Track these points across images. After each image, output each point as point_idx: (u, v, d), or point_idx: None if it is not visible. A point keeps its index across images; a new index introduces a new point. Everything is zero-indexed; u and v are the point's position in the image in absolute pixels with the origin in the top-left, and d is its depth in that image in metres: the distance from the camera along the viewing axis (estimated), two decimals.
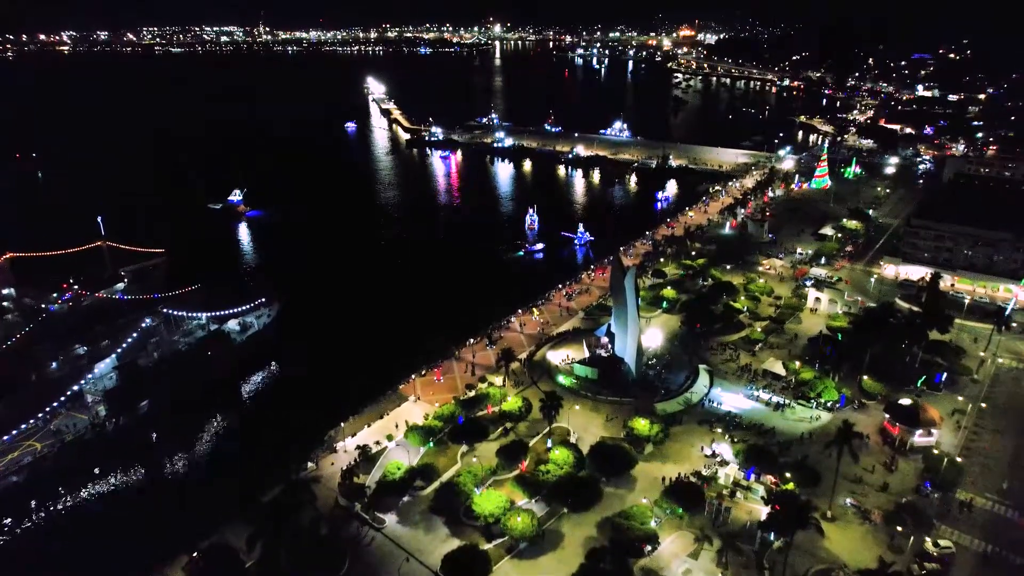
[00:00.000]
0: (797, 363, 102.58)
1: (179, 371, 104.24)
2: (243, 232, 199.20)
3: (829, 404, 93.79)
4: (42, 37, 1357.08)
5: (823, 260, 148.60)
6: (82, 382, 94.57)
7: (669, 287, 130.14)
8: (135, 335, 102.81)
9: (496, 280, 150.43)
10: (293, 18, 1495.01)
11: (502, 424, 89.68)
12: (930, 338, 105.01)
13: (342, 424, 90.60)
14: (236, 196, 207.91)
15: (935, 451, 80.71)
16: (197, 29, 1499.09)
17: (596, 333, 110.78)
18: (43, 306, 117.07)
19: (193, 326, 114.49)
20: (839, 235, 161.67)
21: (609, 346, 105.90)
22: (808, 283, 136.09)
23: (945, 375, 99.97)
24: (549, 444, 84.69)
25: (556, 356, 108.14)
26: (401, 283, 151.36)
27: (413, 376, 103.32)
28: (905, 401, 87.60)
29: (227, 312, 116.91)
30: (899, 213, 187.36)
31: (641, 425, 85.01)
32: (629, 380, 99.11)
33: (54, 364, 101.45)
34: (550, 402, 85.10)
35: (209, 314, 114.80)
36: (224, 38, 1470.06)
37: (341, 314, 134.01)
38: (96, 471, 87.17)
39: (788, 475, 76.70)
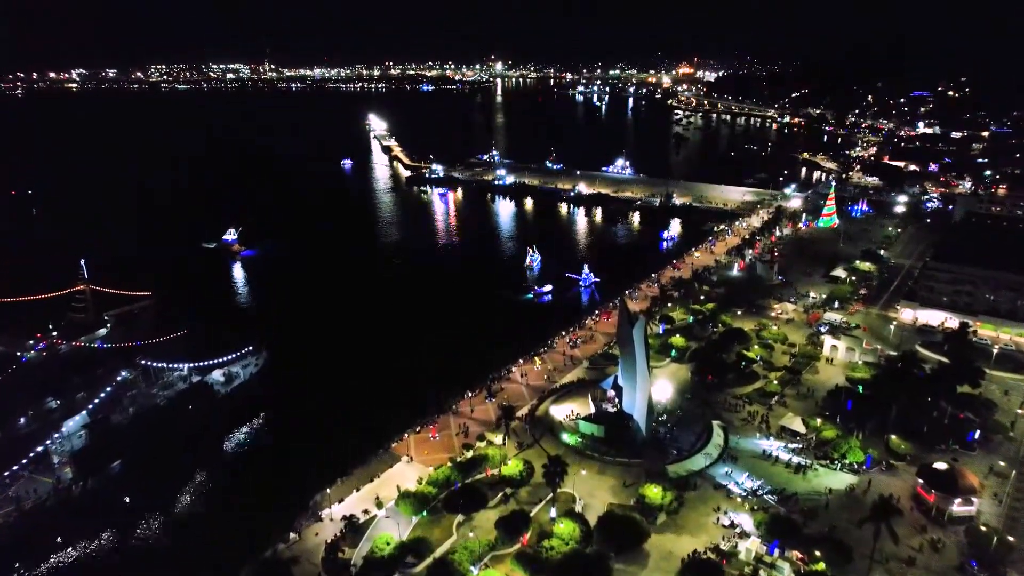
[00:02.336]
0: (818, 420, 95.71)
1: (156, 428, 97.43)
2: (237, 272, 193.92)
3: (855, 466, 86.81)
4: (52, 75, 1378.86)
5: (836, 304, 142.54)
6: (47, 442, 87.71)
7: (678, 334, 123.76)
8: (109, 389, 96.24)
9: (497, 325, 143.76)
10: (298, 55, 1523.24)
11: (502, 490, 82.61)
12: (958, 391, 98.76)
13: (328, 490, 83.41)
14: (231, 235, 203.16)
15: (983, 527, 73.19)
16: (204, 66, 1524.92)
17: (602, 385, 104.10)
18: (17, 354, 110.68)
19: (174, 378, 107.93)
20: (852, 277, 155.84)
21: (616, 400, 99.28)
22: (823, 329, 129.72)
23: (978, 433, 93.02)
24: (553, 514, 77.49)
25: (559, 411, 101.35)
26: (397, 328, 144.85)
27: (407, 433, 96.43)
28: (940, 465, 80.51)
29: (211, 362, 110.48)
30: (911, 253, 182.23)
31: (653, 493, 77.86)
32: (638, 439, 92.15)
33: (22, 420, 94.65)
34: (554, 468, 78.12)
35: (191, 365, 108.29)
36: (230, 75, 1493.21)
37: (333, 362, 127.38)
38: (58, 540, 79.81)
39: (817, 553, 69.33)
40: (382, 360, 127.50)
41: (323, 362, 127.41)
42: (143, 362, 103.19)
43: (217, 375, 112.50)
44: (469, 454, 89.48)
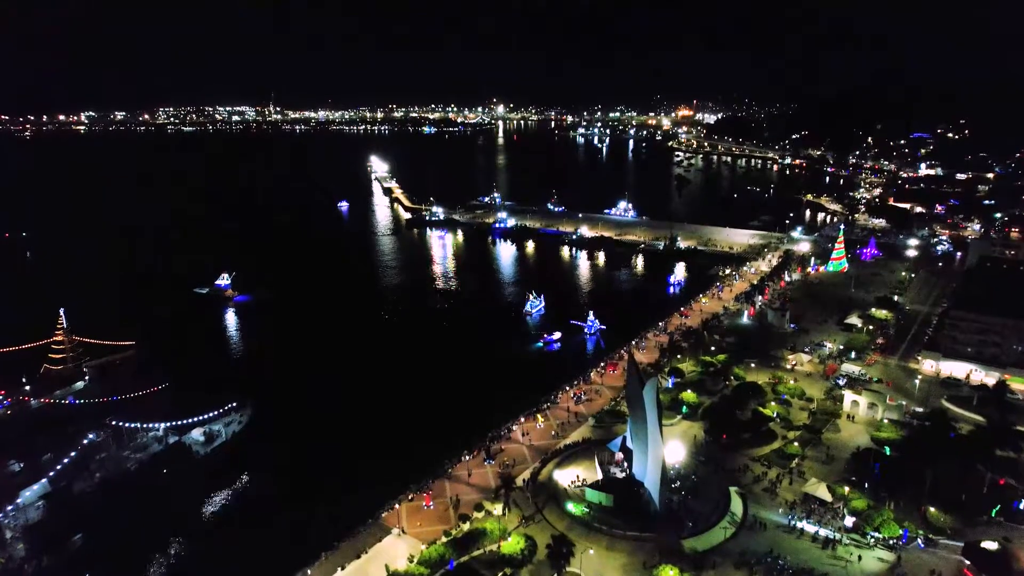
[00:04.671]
0: (846, 488, 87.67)
1: (125, 495, 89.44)
2: (229, 319, 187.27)
3: (891, 541, 78.66)
4: (61, 117, 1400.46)
5: (853, 354, 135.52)
6: (0, 515, 79.88)
7: (689, 389, 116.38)
8: (73, 454, 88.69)
9: (498, 377, 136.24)
10: (302, 98, 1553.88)
11: (501, 570, 74.47)
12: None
13: (309, 570, 75.26)
14: (224, 280, 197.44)
15: None
16: (210, 109, 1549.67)
17: (609, 447, 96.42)
18: None
19: (148, 439, 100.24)
20: (869, 326, 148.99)
21: (625, 463, 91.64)
22: (841, 382, 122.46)
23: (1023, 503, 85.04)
24: None
25: (564, 475, 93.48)
26: (392, 381, 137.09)
27: (398, 502, 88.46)
28: (990, 544, 72.54)
29: (189, 421, 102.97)
30: (926, 299, 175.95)
31: None
32: (651, 510, 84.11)
33: None
34: (559, 548, 70.28)
35: (167, 424, 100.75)
36: (235, 117, 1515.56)
37: (322, 418, 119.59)
38: None
39: None
40: (375, 416, 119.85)
41: (311, 418, 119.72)
42: (113, 422, 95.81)
43: (196, 434, 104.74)
44: (465, 527, 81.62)
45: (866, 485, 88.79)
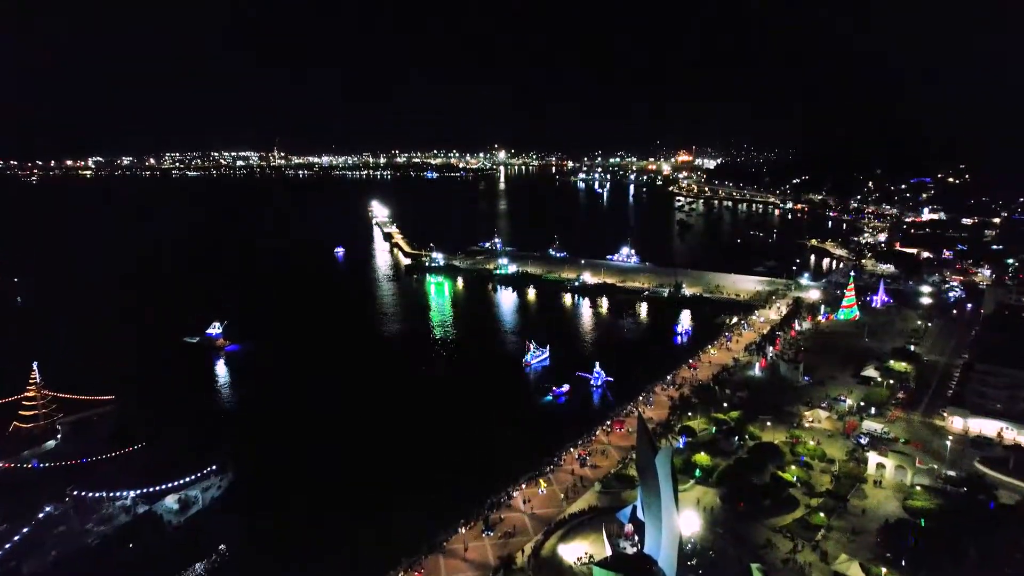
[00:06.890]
0: (883, 568, 79.21)
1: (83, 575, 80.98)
2: (219, 370, 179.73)
3: None
4: (68, 162, 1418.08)
5: (873, 410, 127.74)
6: None
7: (702, 451, 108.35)
8: (26, 530, 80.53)
9: (496, 434, 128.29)
10: (306, 143, 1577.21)
11: None
12: None
13: None
14: (215, 329, 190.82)
15: None
16: (215, 154, 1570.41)
17: (618, 516, 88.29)
18: None
19: (115, 509, 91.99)
20: (889, 380, 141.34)
21: (635, 537, 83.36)
22: (863, 440, 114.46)
23: None
24: None
25: (569, 550, 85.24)
26: (385, 439, 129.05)
27: None
28: None
29: (162, 488, 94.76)
30: (943, 349, 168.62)
31: None
32: None
33: None
34: None
35: (135, 493, 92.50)
36: (240, 162, 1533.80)
37: (308, 481, 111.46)
38: None
39: None
40: (365, 480, 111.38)
41: (297, 481, 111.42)
42: (75, 492, 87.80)
43: (170, 501, 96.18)
44: None
45: (903, 563, 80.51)
